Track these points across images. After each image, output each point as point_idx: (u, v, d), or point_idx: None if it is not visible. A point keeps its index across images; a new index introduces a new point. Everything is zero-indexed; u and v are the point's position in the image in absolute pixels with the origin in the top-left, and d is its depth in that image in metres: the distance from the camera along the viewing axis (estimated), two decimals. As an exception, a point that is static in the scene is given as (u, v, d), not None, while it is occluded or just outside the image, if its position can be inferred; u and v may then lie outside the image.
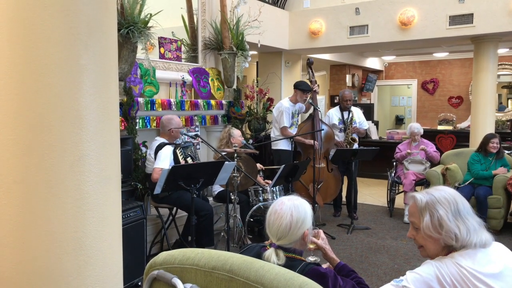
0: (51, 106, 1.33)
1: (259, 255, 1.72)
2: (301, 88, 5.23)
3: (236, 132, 4.70)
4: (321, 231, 2.01)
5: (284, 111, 5.20)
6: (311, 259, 1.85)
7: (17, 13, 1.31)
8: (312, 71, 5.53)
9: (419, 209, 1.63)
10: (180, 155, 3.97)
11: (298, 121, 5.55)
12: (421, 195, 1.65)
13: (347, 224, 5.18)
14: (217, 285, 1.27)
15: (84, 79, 1.37)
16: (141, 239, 3.49)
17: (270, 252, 1.72)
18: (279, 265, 1.63)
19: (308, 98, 5.32)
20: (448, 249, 1.60)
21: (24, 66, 1.32)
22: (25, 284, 1.37)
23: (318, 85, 5.67)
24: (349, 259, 4.13)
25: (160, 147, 3.87)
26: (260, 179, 4.75)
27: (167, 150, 3.84)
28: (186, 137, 4.53)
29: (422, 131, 5.74)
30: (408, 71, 11.13)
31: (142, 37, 3.90)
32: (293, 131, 5.32)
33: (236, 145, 4.43)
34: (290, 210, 1.74)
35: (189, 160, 4.06)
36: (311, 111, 5.49)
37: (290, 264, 1.68)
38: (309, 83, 5.40)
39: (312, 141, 5.11)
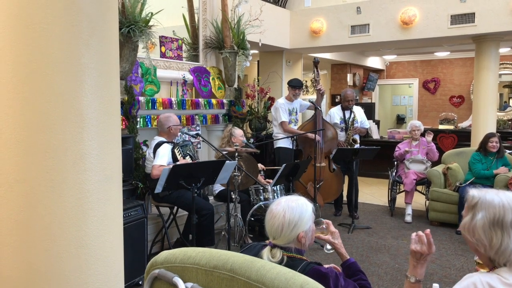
0: (53, 105, 1.33)
1: (259, 254, 1.72)
2: (290, 84, 5.33)
3: (237, 132, 4.70)
4: (330, 223, 2.00)
5: (280, 107, 5.27)
6: (327, 249, 1.92)
7: (19, 12, 1.31)
8: (317, 71, 5.54)
9: (468, 205, 1.50)
10: (179, 154, 3.97)
11: (297, 119, 5.57)
12: (476, 192, 1.49)
13: (348, 224, 5.18)
14: (218, 285, 1.27)
15: (86, 78, 1.37)
16: (142, 238, 3.49)
17: (264, 250, 1.74)
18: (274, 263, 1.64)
19: (311, 97, 5.34)
20: (491, 261, 1.45)
21: (26, 65, 1.32)
22: (26, 283, 1.37)
23: (321, 85, 5.68)
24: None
25: (158, 145, 3.88)
26: (261, 178, 4.75)
27: (166, 148, 3.86)
28: (186, 136, 4.53)
29: (422, 128, 5.75)
30: (409, 70, 11.11)
31: (143, 36, 3.90)
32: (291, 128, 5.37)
33: (237, 144, 4.43)
34: (284, 210, 1.74)
35: (188, 159, 4.06)
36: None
37: (291, 264, 1.68)
38: (311, 82, 5.41)
39: (313, 135, 5.14)
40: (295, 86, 5.31)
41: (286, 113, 5.29)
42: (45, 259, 1.36)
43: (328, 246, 1.94)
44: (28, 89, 1.33)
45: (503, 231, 1.39)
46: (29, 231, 1.36)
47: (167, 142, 3.95)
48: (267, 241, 1.81)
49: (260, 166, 4.69)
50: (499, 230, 1.40)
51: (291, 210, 1.74)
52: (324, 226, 1.98)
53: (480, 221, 1.43)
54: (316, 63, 5.51)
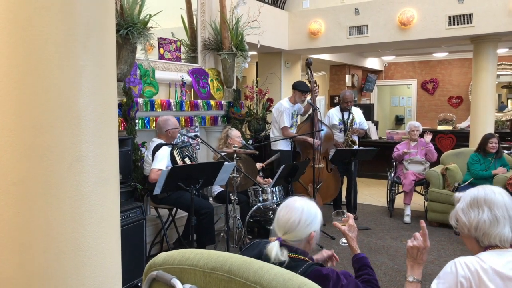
0: (50, 107, 1.33)
1: (265, 250, 1.71)
2: (300, 89, 5.24)
3: (234, 133, 4.70)
4: (351, 216, 2.05)
5: (284, 111, 5.20)
6: (343, 242, 2.04)
7: (16, 14, 1.31)
8: (311, 72, 5.52)
9: (455, 202, 1.72)
10: (178, 156, 3.96)
11: (297, 122, 5.56)
12: (460, 193, 1.73)
13: (347, 224, 5.17)
14: (216, 286, 1.27)
15: (83, 80, 1.37)
16: (140, 240, 3.49)
17: (273, 244, 1.71)
18: (280, 260, 1.66)
19: (308, 98, 5.33)
20: (478, 244, 1.62)
21: (23, 67, 1.32)
22: (24, 285, 1.37)
23: (318, 85, 5.67)
24: (349, 259, 4.11)
25: (157, 148, 3.87)
26: (259, 179, 4.74)
27: (164, 151, 3.84)
28: (185, 137, 4.53)
29: (421, 129, 5.76)
30: (408, 71, 11.13)
31: (141, 37, 3.90)
32: (292, 131, 5.33)
33: (236, 145, 4.42)
34: (302, 206, 1.79)
35: (187, 160, 4.06)
36: (310, 111, 5.49)
37: (293, 264, 1.68)
38: (308, 84, 5.40)
39: (312, 139, 5.12)
40: (305, 91, 5.23)
41: (290, 118, 5.26)
42: (42, 261, 1.36)
43: (344, 240, 2.04)
44: (25, 91, 1.32)
45: (479, 208, 1.60)
46: (26, 233, 1.35)
47: (166, 145, 3.94)
48: (271, 238, 1.80)
49: (258, 165, 4.68)
50: (476, 208, 1.60)
51: (309, 207, 1.81)
52: (345, 217, 2.06)
53: (460, 206, 1.65)
54: (309, 64, 5.49)
